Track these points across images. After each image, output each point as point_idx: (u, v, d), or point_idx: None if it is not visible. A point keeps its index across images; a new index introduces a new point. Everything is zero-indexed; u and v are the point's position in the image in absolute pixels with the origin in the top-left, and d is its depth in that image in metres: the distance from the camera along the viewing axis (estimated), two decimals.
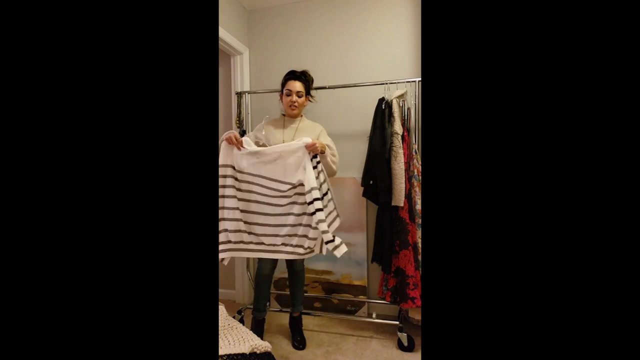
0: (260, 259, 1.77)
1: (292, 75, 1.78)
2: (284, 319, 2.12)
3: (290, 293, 1.92)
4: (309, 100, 1.85)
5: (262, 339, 1.71)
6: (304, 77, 1.78)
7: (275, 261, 1.80)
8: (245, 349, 1.19)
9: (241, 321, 2.03)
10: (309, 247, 1.59)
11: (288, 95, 1.76)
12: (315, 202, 1.50)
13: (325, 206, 1.55)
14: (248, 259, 2.35)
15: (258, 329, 1.81)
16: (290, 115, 1.81)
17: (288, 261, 1.86)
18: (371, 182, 1.85)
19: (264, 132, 1.76)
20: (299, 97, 1.77)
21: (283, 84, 1.80)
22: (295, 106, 1.76)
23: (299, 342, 1.84)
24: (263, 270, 1.77)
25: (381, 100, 1.87)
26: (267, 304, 1.92)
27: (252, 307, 1.86)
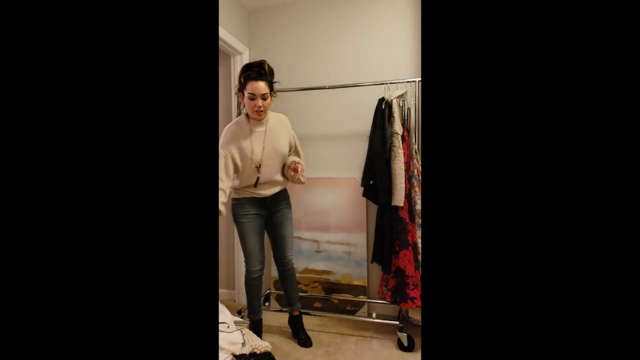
0: (247, 263, 1.76)
1: (251, 72, 1.54)
2: (284, 318, 2.12)
3: (285, 293, 1.90)
4: (273, 97, 1.65)
5: (260, 339, 1.72)
6: (264, 72, 1.55)
7: (262, 263, 1.78)
8: (245, 349, 1.19)
9: None
10: None
11: (252, 99, 1.54)
12: None
13: None
14: None
15: (256, 330, 1.81)
16: (257, 119, 1.64)
17: (278, 263, 1.86)
18: (371, 182, 1.84)
19: (236, 150, 1.61)
20: (265, 99, 1.56)
21: (242, 83, 1.56)
22: (262, 111, 1.58)
23: (304, 340, 1.84)
24: (252, 274, 1.76)
25: (381, 100, 1.87)
26: (267, 304, 1.92)
27: None
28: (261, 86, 1.54)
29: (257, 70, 1.54)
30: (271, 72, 1.61)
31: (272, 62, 2.35)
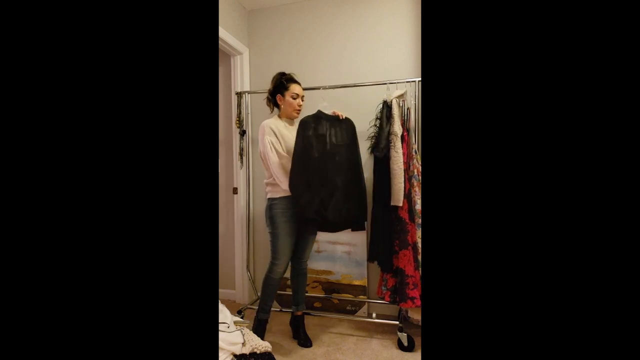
0: (274, 264, 1.77)
1: (289, 78, 1.79)
2: (284, 318, 2.12)
3: (293, 292, 1.93)
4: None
5: (263, 339, 1.72)
6: (297, 79, 1.83)
7: (287, 265, 1.80)
8: (245, 349, 1.19)
9: None
10: None
11: (294, 98, 1.77)
12: None
13: None
14: (248, 258, 2.35)
15: (260, 328, 1.81)
16: (293, 118, 1.83)
17: (295, 261, 1.88)
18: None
19: (281, 139, 1.74)
20: (302, 100, 1.80)
21: (282, 86, 1.77)
22: (300, 111, 1.80)
23: (304, 341, 1.85)
24: (277, 274, 1.77)
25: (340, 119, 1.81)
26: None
27: (252, 307, 1.86)
28: (300, 89, 1.79)
29: (294, 79, 1.80)
30: None
31: (271, 62, 2.38)
